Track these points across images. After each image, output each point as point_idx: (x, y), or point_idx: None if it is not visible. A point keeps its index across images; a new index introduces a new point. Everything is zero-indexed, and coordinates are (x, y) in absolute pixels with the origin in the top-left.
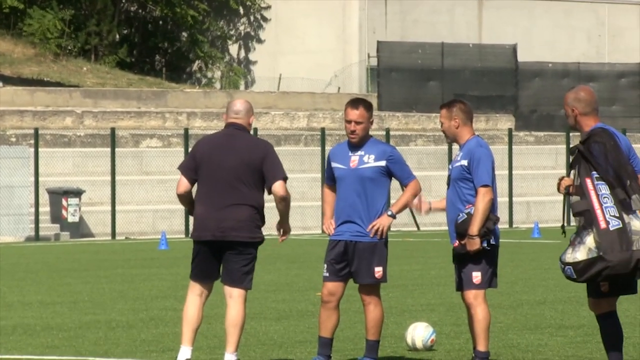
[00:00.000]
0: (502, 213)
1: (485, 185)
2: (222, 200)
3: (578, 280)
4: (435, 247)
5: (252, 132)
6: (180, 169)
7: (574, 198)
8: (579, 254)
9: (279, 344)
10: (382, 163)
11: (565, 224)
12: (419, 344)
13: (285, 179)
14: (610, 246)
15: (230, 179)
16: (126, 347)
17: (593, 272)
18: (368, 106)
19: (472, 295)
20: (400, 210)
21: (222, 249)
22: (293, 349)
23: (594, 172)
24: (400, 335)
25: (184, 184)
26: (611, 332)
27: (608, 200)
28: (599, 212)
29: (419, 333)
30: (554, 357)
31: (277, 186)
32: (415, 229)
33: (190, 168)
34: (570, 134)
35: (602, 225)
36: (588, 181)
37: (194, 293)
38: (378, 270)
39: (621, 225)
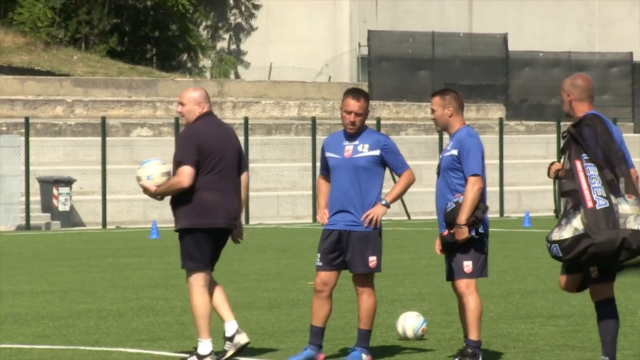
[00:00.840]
0: (493, 202)
1: (475, 175)
2: (230, 188)
3: (564, 259)
4: (425, 236)
5: (243, 121)
6: (190, 162)
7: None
8: (565, 233)
9: (270, 333)
10: (377, 152)
11: (558, 209)
12: (409, 334)
13: None
14: (596, 224)
15: (232, 167)
16: (117, 336)
17: (579, 249)
18: (367, 98)
19: (463, 284)
20: (394, 200)
21: (222, 237)
22: (284, 338)
23: (584, 154)
24: (391, 324)
25: (193, 176)
26: (606, 321)
27: (596, 180)
28: (586, 192)
29: (410, 322)
30: (544, 347)
31: (245, 175)
32: (406, 218)
33: (196, 160)
34: (561, 123)
35: (589, 204)
36: (577, 163)
37: (202, 284)
38: (372, 260)
39: (608, 205)
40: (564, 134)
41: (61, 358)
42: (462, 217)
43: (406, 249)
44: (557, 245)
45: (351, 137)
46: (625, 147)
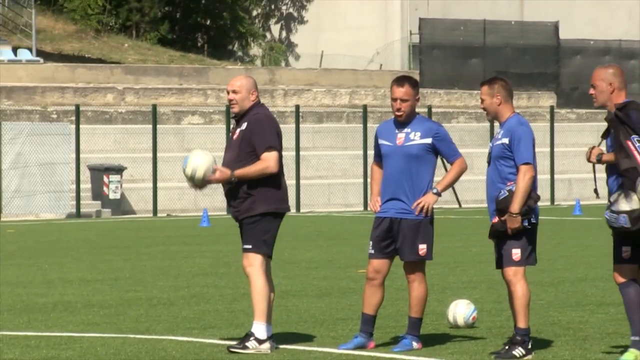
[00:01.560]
0: (544, 190)
1: (527, 163)
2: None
3: (631, 229)
4: (476, 224)
5: (294, 109)
6: (278, 147)
7: (617, 159)
8: (634, 204)
9: (321, 321)
10: (429, 140)
11: (597, 189)
12: (460, 322)
13: None
14: None
15: None
16: (167, 325)
17: None
18: (414, 84)
19: (511, 272)
20: (445, 189)
21: None
22: (334, 326)
23: (634, 136)
24: (442, 312)
25: (279, 161)
26: (633, 300)
27: None
28: None
29: (461, 310)
30: (595, 334)
31: None
32: (457, 206)
33: (279, 145)
34: None
35: None
36: (629, 143)
37: (267, 270)
38: (422, 248)
39: None
40: (609, 118)
41: (111, 346)
42: (515, 206)
43: (457, 237)
44: (626, 215)
45: (403, 124)
46: None
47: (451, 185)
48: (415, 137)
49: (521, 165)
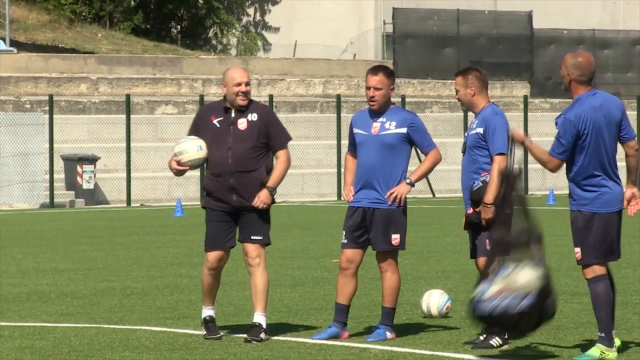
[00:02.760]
0: None
1: (501, 153)
2: None
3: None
4: (450, 214)
5: (268, 99)
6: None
7: None
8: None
9: (294, 311)
10: (404, 130)
11: None
12: (434, 311)
13: None
14: None
15: None
16: (141, 315)
17: None
18: (388, 73)
19: (481, 261)
20: (419, 179)
21: None
22: (308, 316)
23: None
24: (416, 302)
25: None
26: (601, 297)
27: None
28: None
29: (434, 300)
30: (569, 324)
31: None
32: (431, 195)
33: None
34: None
35: None
36: None
37: None
38: (395, 238)
39: None
40: None
41: (85, 336)
42: (489, 197)
43: (431, 227)
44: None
45: (378, 114)
46: (627, 122)
47: (425, 176)
48: (390, 127)
49: (495, 155)
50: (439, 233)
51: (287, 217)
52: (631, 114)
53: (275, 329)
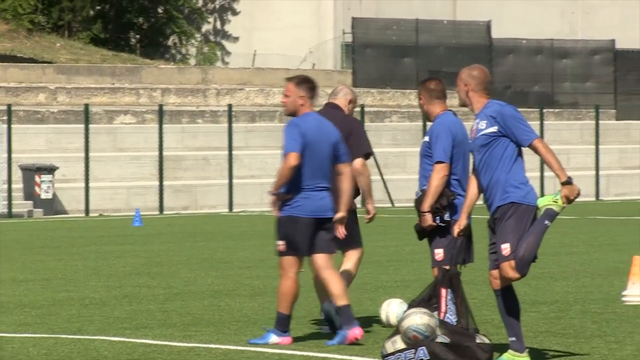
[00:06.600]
0: None
1: (440, 162)
2: None
3: None
4: (409, 223)
5: (227, 109)
6: None
7: None
8: None
9: (253, 320)
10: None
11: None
12: (393, 320)
13: None
14: None
15: None
16: (99, 325)
17: None
18: (299, 82)
19: (435, 272)
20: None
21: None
22: (267, 325)
23: None
24: (375, 311)
25: None
26: (510, 305)
27: None
28: None
29: (394, 309)
30: (527, 333)
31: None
32: (390, 205)
33: None
34: (544, 110)
35: None
36: None
37: None
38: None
39: None
40: None
41: (43, 346)
42: (425, 205)
43: (390, 236)
44: None
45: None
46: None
47: (278, 181)
48: None
49: (434, 164)
50: (398, 242)
51: (246, 227)
52: (589, 124)
53: (234, 338)
